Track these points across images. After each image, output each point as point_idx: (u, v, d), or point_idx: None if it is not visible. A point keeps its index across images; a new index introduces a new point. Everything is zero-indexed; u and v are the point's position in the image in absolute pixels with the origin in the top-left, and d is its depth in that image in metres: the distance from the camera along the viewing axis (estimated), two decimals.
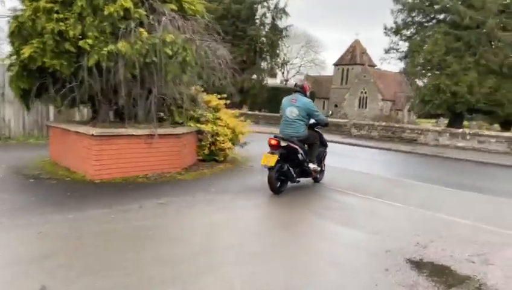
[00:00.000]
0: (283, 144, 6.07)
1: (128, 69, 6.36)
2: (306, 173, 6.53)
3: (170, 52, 6.50)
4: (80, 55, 6.36)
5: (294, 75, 70.93)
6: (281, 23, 37.05)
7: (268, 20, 36.81)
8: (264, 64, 37.51)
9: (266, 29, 36.41)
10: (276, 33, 36.30)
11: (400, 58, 27.79)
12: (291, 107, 6.35)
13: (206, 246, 3.85)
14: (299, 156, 6.27)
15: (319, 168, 6.82)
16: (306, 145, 6.50)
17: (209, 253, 3.69)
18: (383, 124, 18.95)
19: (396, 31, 27.20)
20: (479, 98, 22.33)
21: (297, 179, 6.49)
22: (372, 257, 3.83)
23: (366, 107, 57.56)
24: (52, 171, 6.90)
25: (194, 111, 8.12)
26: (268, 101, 41.21)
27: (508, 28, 22.26)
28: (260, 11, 36.72)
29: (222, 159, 8.54)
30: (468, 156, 13.12)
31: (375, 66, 56.40)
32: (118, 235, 4.04)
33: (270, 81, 45.00)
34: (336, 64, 64.28)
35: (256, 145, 11.08)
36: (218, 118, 8.54)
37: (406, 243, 4.31)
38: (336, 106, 59.53)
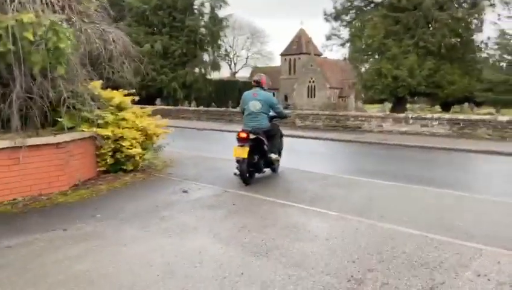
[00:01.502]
0: (252, 136, 6.21)
1: None
2: (269, 163, 6.80)
3: (32, 37, 4.92)
4: None
5: (241, 68, 69.90)
6: (221, 13, 35.54)
7: (207, 10, 35.14)
8: (206, 57, 35.81)
9: (205, 20, 34.67)
10: (216, 23, 34.71)
11: (342, 44, 27.33)
12: (253, 101, 6.53)
13: None
14: (265, 147, 6.48)
15: (279, 158, 7.11)
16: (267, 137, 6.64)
17: None
18: (327, 112, 18.19)
19: (336, 17, 26.65)
20: (419, 80, 22.26)
21: (264, 170, 6.75)
22: None
23: (314, 96, 57.57)
24: None
25: (89, 112, 6.53)
26: (216, 96, 39.58)
27: (445, 8, 22.30)
28: (198, 0, 34.94)
29: (132, 168, 7.02)
30: (413, 142, 12.54)
31: (322, 54, 56.39)
32: None
33: (217, 75, 43.38)
34: (282, 55, 63.77)
35: (184, 146, 9.73)
36: (123, 119, 7.02)
37: (336, 279, 3.15)
38: (286, 96, 59.13)
